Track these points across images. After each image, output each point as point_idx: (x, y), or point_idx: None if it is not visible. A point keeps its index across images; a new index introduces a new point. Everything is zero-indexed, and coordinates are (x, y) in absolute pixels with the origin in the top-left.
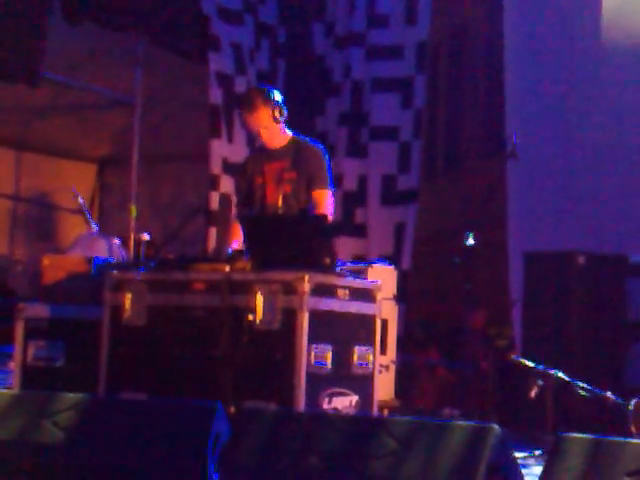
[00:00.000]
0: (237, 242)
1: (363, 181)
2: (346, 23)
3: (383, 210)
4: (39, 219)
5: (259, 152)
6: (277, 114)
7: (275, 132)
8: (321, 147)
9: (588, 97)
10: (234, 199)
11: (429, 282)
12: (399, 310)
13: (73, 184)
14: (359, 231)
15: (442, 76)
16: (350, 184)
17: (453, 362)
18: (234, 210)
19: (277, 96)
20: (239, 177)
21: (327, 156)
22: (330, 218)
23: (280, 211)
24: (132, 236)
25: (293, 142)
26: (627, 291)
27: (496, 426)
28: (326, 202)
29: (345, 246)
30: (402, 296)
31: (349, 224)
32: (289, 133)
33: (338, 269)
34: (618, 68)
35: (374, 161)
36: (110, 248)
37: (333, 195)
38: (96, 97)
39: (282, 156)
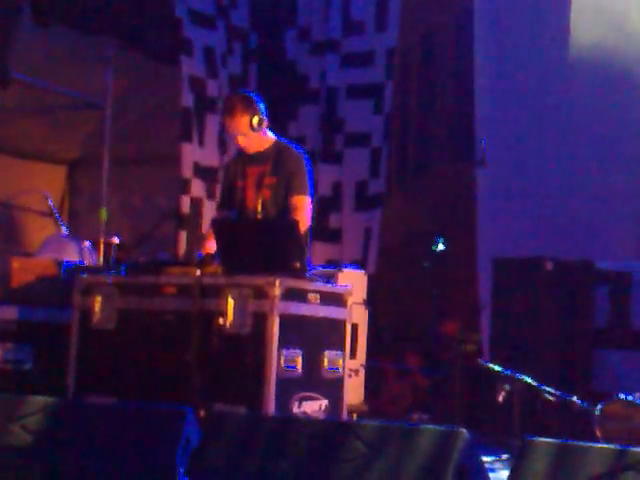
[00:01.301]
0: (213, 245)
1: (337, 187)
2: (322, 29)
3: (355, 215)
4: (7, 221)
5: (241, 154)
6: (255, 123)
7: (253, 139)
8: (302, 153)
9: (557, 104)
10: (204, 203)
11: (399, 287)
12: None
13: (43, 187)
14: (333, 236)
15: (412, 82)
16: (324, 190)
17: (426, 367)
18: (203, 213)
19: (258, 104)
20: (222, 180)
21: (308, 162)
22: (307, 225)
23: (259, 216)
24: (102, 239)
25: (275, 146)
26: (594, 297)
27: (464, 430)
28: (303, 208)
29: (320, 251)
30: (368, 300)
31: (324, 230)
32: (272, 137)
33: (309, 274)
34: (587, 75)
35: (348, 167)
36: (80, 251)
37: (312, 202)
38: (66, 99)
39: (263, 160)
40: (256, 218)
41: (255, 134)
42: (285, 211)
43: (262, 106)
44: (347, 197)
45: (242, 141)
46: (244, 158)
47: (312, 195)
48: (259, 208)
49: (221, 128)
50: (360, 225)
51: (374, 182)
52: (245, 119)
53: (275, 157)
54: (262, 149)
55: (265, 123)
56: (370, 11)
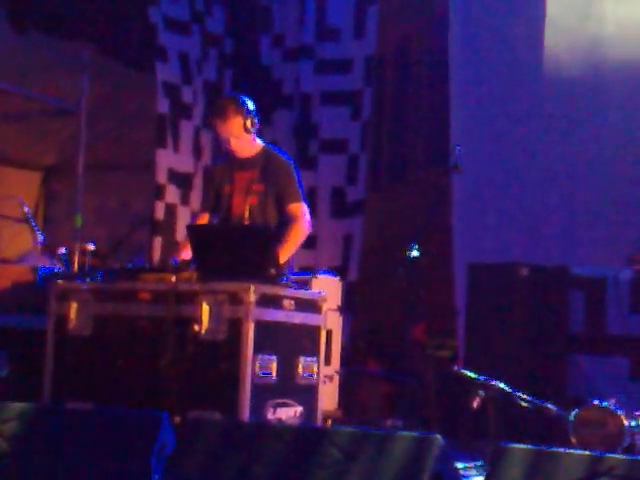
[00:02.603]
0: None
1: (312, 193)
2: (296, 35)
3: (332, 222)
4: None
5: (228, 160)
6: (248, 124)
7: (245, 142)
8: (290, 160)
9: (533, 109)
10: (179, 209)
11: (374, 293)
12: (346, 321)
13: (17, 193)
14: (307, 243)
15: (387, 87)
16: None
17: (394, 373)
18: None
19: (250, 105)
20: (205, 184)
21: (296, 169)
22: (307, 230)
23: (245, 222)
24: (77, 245)
25: (263, 153)
26: (569, 302)
27: (439, 436)
28: (303, 215)
29: (294, 257)
30: (349, 307)
31: None
32: (260, 143)
33: (284, 280)
34: (562, 80)
35: (324, 173)
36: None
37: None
38: (41, 105)
39: (251, 166)
40: (232, 224)
41: (247, 137)
42: (283, 219)
43: (253, 108)
44: (322, 203)
45: (234, 144)
46: (231, 163)
47: (305, 201)
48: (246, 214)
49: (196, 134)
50: (337, 232)
51: (352, 189)
52: (238, 121)
53: (263, 164)
54: (250, 155)
55: (256, 125)
56: (347, 18)
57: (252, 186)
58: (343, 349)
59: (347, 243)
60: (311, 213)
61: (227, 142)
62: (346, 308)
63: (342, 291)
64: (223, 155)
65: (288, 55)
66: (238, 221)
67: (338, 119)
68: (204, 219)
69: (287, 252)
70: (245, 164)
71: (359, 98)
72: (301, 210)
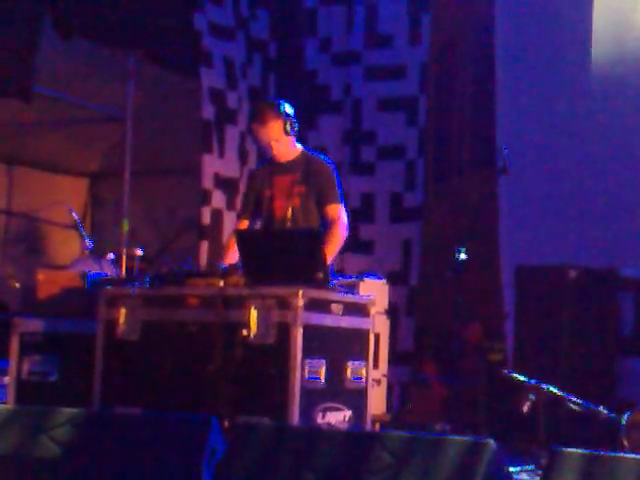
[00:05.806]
0: (234, 255)
1: (369, 198)
2: (343, 41)
3: (391, 227)
4: (31, 234)
5: (268, 164)
6: (288, 127)
7: (286, 145)
8: (330, 162)
9: (579, 111)
10: (225, 213)
11: (422, 296)
12: (408, 324)
13: (66, 199)
14: (364, 248)
15: (433, 89)
16: (353, 201)
17: (447, 376)
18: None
19: (288, 109)
20: (246, 188)
21: (336, 172)
22: (345, 232)
23: (288, 225)
24: (124, 251)
25: (303, 156)
26: (618, 305)
27: (492, 441)
28: (341, 217)
29: (350, 263)
30: (411, 310)
31: (354, 241)
32: (299, 147)
33: (331, 284)
34: (608, 84)
35: (381, 179)
36: (102, 266)
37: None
38: (88, 112)
39: (292, 169)
40: (279, 228)
41: (288, 139)
42: (322, 221)
43: (292, 111)
44: (381, 209)
45: (276, 148)
46: (272, 167)
47: (343, 203)
48: (289, 216)
49: (242, 139)
50: (396, 237)
51: (410, 194)
52: (278, 124)
53: (304, 166)
54: (291, 158)
55: (296, 128)
56: (400, 25)
57: (294, 188)
58: (406, 353)
59: (406, 248)
60: (370, 219)
61: (269, 147)
62: (409, 312)
63: (404, 295)
64: (265, 160)
65: (336, 60)
66: (280, 224)
67: (393, 125)
68: (244, 225)
69: (330, 254)
70: (286, 167)
71: (415, 104)
72: (339, 212)
